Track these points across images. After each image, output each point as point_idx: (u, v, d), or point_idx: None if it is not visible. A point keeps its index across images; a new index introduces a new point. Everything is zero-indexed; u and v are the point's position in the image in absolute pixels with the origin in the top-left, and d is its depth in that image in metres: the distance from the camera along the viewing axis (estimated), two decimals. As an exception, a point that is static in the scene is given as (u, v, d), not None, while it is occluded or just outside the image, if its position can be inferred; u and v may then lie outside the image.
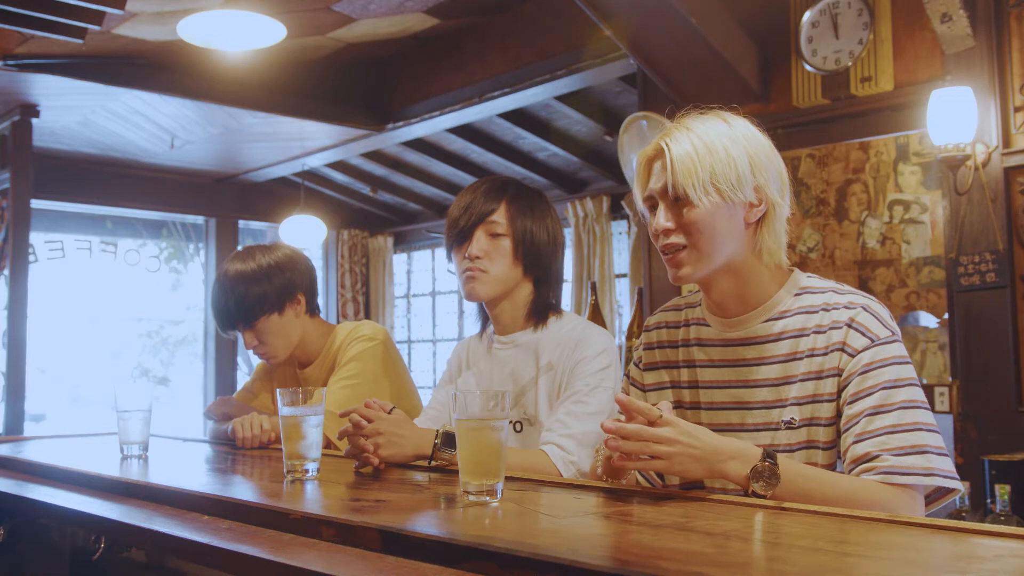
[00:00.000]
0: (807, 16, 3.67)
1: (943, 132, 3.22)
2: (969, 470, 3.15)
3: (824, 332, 1.44)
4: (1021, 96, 3.24)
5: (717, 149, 1.43)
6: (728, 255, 1.47)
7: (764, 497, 1.29)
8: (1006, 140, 3.25)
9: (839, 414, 1.42)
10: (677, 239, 1.46)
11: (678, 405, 1.61)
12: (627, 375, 1.74)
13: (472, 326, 2.18)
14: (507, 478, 1.39)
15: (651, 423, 1.30)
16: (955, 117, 3.20)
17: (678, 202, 1.45)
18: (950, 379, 3.36)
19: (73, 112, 5.42)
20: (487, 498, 1.31)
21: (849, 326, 1.43)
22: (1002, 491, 2.69)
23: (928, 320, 3.57)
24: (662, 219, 1.47)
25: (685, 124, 1.48)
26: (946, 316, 3.46)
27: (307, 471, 1.60)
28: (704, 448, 1.30)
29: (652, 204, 1.51)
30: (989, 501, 2.88)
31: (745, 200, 1.45)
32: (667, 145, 1.46)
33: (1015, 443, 3.11)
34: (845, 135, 3.70)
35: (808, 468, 1.36)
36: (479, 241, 1.95)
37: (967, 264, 3.28)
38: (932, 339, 3.52)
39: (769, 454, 1.31)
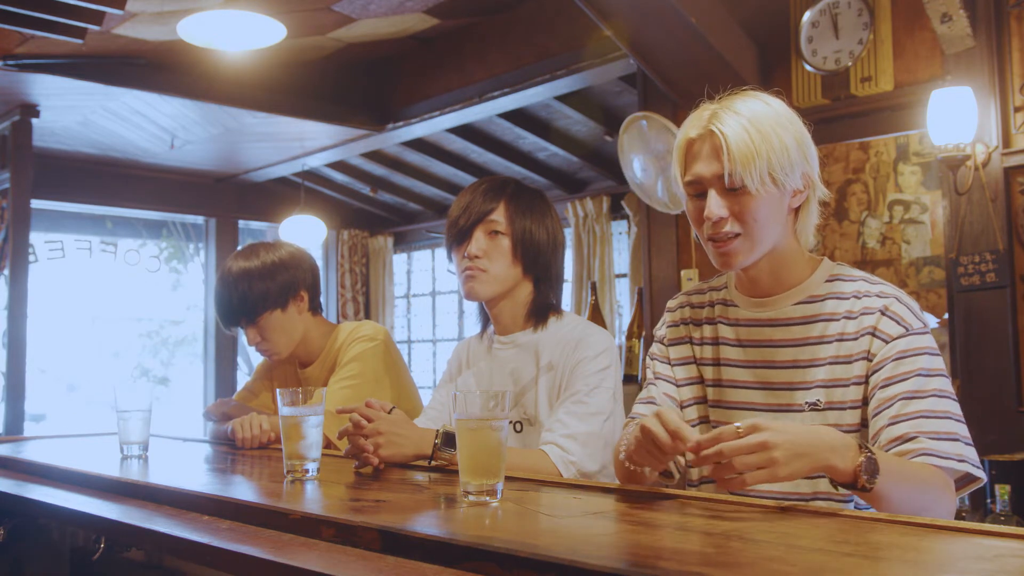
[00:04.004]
0: (807, 16, 3.67)
1: (943, 132, 3.22)
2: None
3: (855, 318, 1.45)
4: (1021, 96, 3.24)
5: (771, 137, 1.41)
6: (774, 240, 1.48)
7: (869, 491, 1.23)
8: (1006, 140, 3.25)
9: (865, 400, 1.43)
10: (732, 227, 1.44)
11: (699, 381, 1.61)
12: (650, 355, 1.72)
13: (472, 326, 2.18)
14: (507, 478, 1.39)
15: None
16: (955, 117, 3.20)
17: (733, 191, 1.43)
18: (950, 379, 3.36)
19: (73, 112, 5.42)
20: (487, 498, 1.31)
21: (883, 313, 1.44)
22: (1002, 491, 2.69)
23: (928, 320, 3.56)
24: (716, 207, 1.44)
25: (730, 107, 1.45)
26: (946, 316, 3.46)
27: (307, 471, 1.60)
28: (803, 441, 1.21)
29: (697, 189, 1.48)
30: (989, 501, 2.88)
31: (794, 187, 1.46)
32: (720, 130, 1.42)
33: (1015, 443, 3.11)
34: (845, 135, 3.69)
35: (887, 454, 1.31)
36: (478, 240, 1.95)
37: (967, 264, 3.27)
38: (932, 339, 3.52)
39: (864, 444, 1.25)
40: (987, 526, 1.07)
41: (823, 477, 1.30)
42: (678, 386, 1.64)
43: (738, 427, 1.21)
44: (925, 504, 1.27)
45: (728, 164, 1.41)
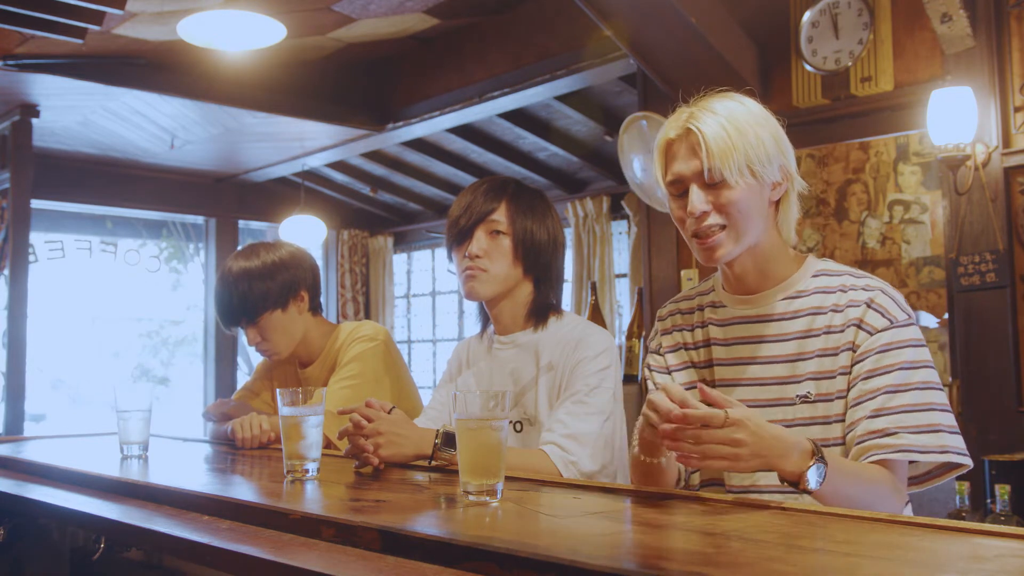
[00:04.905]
0: (807, 16, 3.67)
1: (943, 132, 3.22)
2: (969, 470, 3.15)
3: (841, 311, 1.49)
4: (1021, 96, 3.24)
5: (747, 131, 1.46)
6: (757, 234, 1.51)
7: (810, 493, 1.28)
8: (1006, 140, 3.25)
9: (849, 388, 1.45)
10: (715, 220, 1.48)
11: (695, 386, 1.62)
12: (647, 367, 1.73)
13: (472, 326, 2.18)
14: (507, 478, 1.39)
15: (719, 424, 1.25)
16: (955, 117, 3.20)
17: (713, 185, 1.47)
18: (950, 379, 3.36)
19: (73, 112, 5.42)
20: (487, 498, 1.31)
21: (868, 305, 1.47)
22: (1002, 491, 2.69)
23: (928, 320, 3.56)
24: (699, 202, 1.47)
25: (706, 106, 1.50)
26: (946, 316, 3.46)
27: (307, 471, 1.60)
28: (767, 444, 1.26)
29: (679, 188, 1.51)
30: (989, 501, 2.88)
31: (772, 179, 1.50)
32: (698, 128, 1.46)
33: (1015, 443, 3.11)
34: (845, 135, 3.70)
35: (840, 460, 1.36)
36: (479, 240, 1.95)
37: (967, 264, 3.27)
38: (932, 339, 3.52)
39: (818, 449, 1.30)
40: (987, 526, 1.07)
41: None
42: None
43: (727, 414, 1.25)
44: (868, 505, 1.31)
45: (707, 159, 1.45)
